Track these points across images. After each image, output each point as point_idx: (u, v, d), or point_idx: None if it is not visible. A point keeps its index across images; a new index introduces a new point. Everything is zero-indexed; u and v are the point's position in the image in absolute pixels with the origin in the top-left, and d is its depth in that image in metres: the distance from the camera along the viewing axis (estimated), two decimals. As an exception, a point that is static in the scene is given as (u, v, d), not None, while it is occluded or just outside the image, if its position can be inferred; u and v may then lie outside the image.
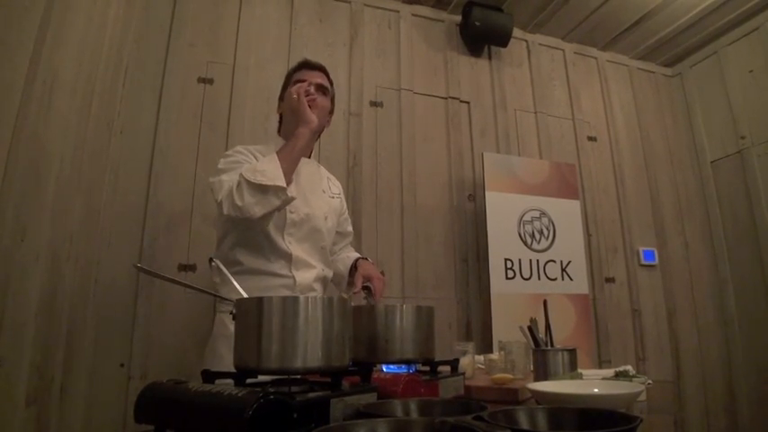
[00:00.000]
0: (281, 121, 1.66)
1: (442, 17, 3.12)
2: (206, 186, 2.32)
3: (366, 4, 2.91)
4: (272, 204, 1.29)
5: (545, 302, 1.40)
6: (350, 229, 1.79)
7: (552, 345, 1.30)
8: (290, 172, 1.33)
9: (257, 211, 1.28)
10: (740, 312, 3.18)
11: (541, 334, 1.33)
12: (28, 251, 1.45)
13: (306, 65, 1.64)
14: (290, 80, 1.62)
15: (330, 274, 1.61)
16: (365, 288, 1.48)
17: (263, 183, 1.27)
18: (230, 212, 1.29)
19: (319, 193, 1.61)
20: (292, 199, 1.33)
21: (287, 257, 1.45)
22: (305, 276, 1.48)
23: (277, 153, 1.35)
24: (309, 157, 1.65)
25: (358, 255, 1.73)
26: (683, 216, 3.44)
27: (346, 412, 0.76)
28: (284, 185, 1.29)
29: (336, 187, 1.73)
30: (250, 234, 1.43)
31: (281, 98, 1.64)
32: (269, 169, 1.29)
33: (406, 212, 2.70)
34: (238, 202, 1.27)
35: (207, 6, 2.55)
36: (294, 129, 1.45)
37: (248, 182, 1.27)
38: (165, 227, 2.23)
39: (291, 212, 1.44)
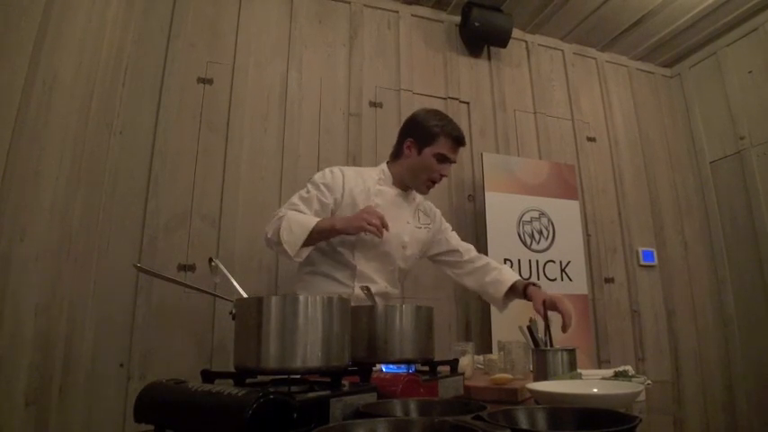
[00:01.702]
0: (401, 149, 1.70)
1: (442, 18, 3.12)
2: (205, 186, 2.33)
3: (365, 5, 2.91)
4: (284, 255, 1.48)
5: (544, 302, 1.40)
6: (454, 242, 1.83)
7: (551, 345, 1.30)
8: (311, 243, 1.48)
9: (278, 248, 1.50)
10: (739, 312, 3.19)
11: (540, 334, 1.33)
12: (27, 251, 1.46)
13: (461, 144, 1.67)
14: (436, 139, 1.63)
15: (395, 291, 1.71)
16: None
17: (283, 241, 1.45)
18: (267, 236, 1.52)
19: (403, 223, 1.68)
20: (299, 260, 1.50)
21: (352, 268, 1.60)
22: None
23: (316, 225, 1.47)
24: (406, 191, 1.73)
25: (516, 276, 1.72)
26: (682, 216, 3.44)
27: (346, 412, 0.76)
28: (292, 255, 1.45)
29: (427, 218, 1.80)
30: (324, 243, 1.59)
31: (416, 139, 1.66)
32: (296, 234, 1.45)
33: (405, 213, 2.69)
34: (269, 233, 1.51)
35: (206, 7, 2.55)
36: (410, 179, 1.67)
37: (281, 232, 1.45)
38: (165, 227, 2.23)
39: (365, 234, 1.50)
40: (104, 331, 2.01)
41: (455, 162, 1.70)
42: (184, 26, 2.46)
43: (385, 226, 1.42)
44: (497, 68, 3.18)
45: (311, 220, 1.47)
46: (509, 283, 1.69)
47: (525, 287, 1.64)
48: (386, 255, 1.64)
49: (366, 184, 1.65)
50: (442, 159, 1.63)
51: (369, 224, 1.40)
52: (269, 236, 1.50)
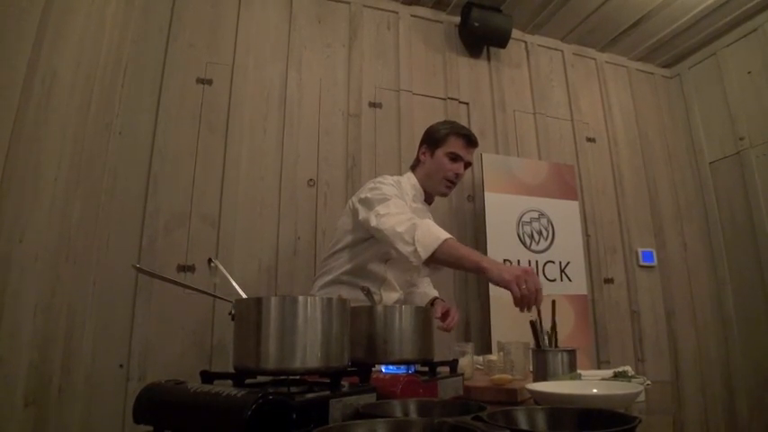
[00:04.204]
0: (418, 158, 1.82)
1: (441, 18, 3.12)
2: (205, 187, 2.33)
3: (365, 5, 2.91)
4: (401, 253, 1.39)
5: (553, 302, 1.36)
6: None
7: (557, 345, 1.28)
8: (439, 259, 1.36)
9: (399, 245, 1.40)
10: (739, 313, 3.18)
11: (547, 328, 1.30)
12: (26, 251, 1.45)
13: (471, 143, 1.78)
14: (446, 139, 1.75)
15: (402, 296, 1.80)
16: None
17: (417, 242, 1.36)
18: (377, 226, 1.46)
19: None
20: (416, 267, 1.47)
21: (381, 279, 1.67)
22: (389, 297, 1.69)
23: (452, 240, 1.37)
24: (430, 204, 1.85)
25: (436, 294, 1.95)
26: (681, 217, 3.44)
27: (345, 413, 0.76)
28: (419, 262, 1.37)
29: None
30: (362, 257, 1.64)
31: (428, 144, 1.78)
32: (429, 243, 1.35)
33: (405, 213, 2.69)
34: (398, 228, 1.40)
35: (206, 7, 2.55)
36: (429, 184, 1.76)
37: (416, 230, 1.38)
38: (164, 227, 2.22)
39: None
40: (104, 332, 2.01)
41: (469, 162, 1.79)
42: (184, 26, 2.46)
43: (538, 301, 1.23)
44: (497, 69, 3.18)
45: (443, 234, 1.37)
46: (433, 295, 1.91)
47: (433, 301, 1.86)
48: (410, 268, 1.73)
49: (404, 199, 1.65)
50: (455, 158, 1.74)
51: (520, 291, 1.21)
52: (398, 230, 1.39)
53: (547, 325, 1.31)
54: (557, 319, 1.33)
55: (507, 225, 2.72)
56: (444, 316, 1.71)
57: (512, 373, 1.35)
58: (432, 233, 1.37)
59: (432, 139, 1.78)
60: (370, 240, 1.62)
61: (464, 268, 1.44)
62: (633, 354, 3.03)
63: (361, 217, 1.55)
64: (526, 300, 1.21)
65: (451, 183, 1.76)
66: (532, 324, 1.28)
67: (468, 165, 1.78)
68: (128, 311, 2.07)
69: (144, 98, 2.31)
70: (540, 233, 2.79)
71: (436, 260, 1.36)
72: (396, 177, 1.73)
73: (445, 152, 1.74)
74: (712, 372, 3.18)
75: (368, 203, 1.55)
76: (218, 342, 2.19)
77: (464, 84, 3.06)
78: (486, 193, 2.70)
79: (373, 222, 1.48)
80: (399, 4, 3.01)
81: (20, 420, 1.45)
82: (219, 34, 2.55)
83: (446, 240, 1.35)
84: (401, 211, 1.48)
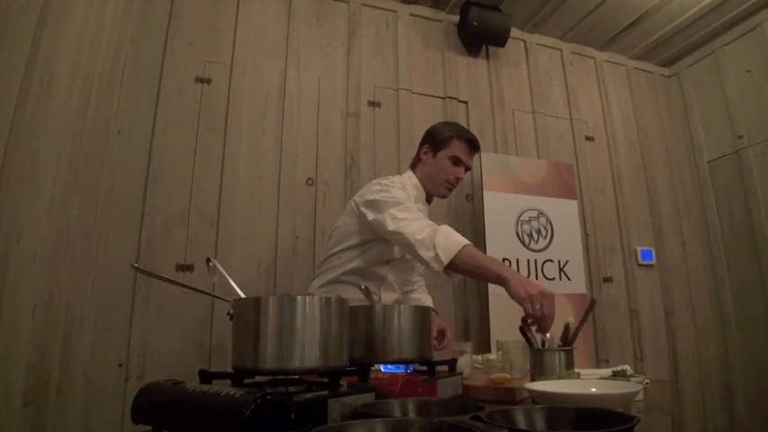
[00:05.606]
0: (418, 156, 1.80)
1: (440, 17, 3.12)
2: (203, 186, 2.32)
3: (364, 4, 2.91)
4: (422, 258, 1.38)
5: (592, 301, 1.32)
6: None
7: (572, 342, 1.26)
8: (459, 266, 1.35)
9: (421, 250, 1.38)
10: (737, 311, 3.19)
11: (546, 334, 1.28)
12: (24, 251, 1.45)
13: (474, 148, 1.78)
14: (449, 142, 1.73)
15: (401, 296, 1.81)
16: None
17: (437, 247, 1.35)
18: (397, 230, 1.44)
19: None
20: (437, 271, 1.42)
21: (381, 279, 1.67)
22: (388, 297, 1.70)
23: (471, 248, 1.36)
24: (430, 203, 1.83)
25: (430, 302, 1.94)
26: (680, 216, 3.44)
27: (344, 412, 0.76)
28: (441, 267, 1.35)
29: None
30: (366, 258, 1.64)
31: (430, 145, 1.76)
32: (450, 247, 1.34)
33: (404, 212, 2.69)
34: (418, 235, 1.39)
35: (204, 6, 2.54)
36: (429, 184, 1.75)
37: (436, 235, 1.37)
38: (163, 227, 2.22)
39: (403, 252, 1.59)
40: (102, 331, 2.01)
41: (470, 167, 1.79)
42: (182, 25, 2.45)
43: (544, 327, 1.21)
44: (496, 68, 3.18)
45: (463, 239, 1.37)
46: (427, 304, 1.87)
47: None
48: (410, 268, 1.75)
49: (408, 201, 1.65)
50: (457, 162, 1.73)
51: (534, 310, 1.19)
52: (418, 237, 1.39)
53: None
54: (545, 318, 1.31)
55: (506, 224, 2.72)
56: (440, 335, 1.70)
57: (510, 373, 1.35)
58: (451, 238, 1.36)
59: (434, 140, 1.76)
60: (373, 242, 1.62)
61: (485, 278, 1.41)
62: (632, 353, 3.03)
63: (371, 218, 1.53)
64: (535, 321, 1.21)
65: (452, 185, 1.76)
66: (522, 330, 1.27)
67: (467, 169, 1.78)
68: (126, 311, 2.07)
69: (142, 97, 2.30)
70: (539, 232, 2.79)
71: (455, 266, 1.35)
72: (399, 178, 1.72)
73: (448, 155, 1.72)
74: (711, 370, 3.19)
75: (377, 206, 1.53)
76: (217, 342, 2.19)
77: (463, 83, 3.06)
78: (485, 192, 2.70)
79: (391, 226, 1.45)
80: (398, 2, 3.00)
81: (18, 420, 1.45)
82: (218, 33, 2.54)
83: (465, 246, 1.34)
84: (419, 216, 1.48)
